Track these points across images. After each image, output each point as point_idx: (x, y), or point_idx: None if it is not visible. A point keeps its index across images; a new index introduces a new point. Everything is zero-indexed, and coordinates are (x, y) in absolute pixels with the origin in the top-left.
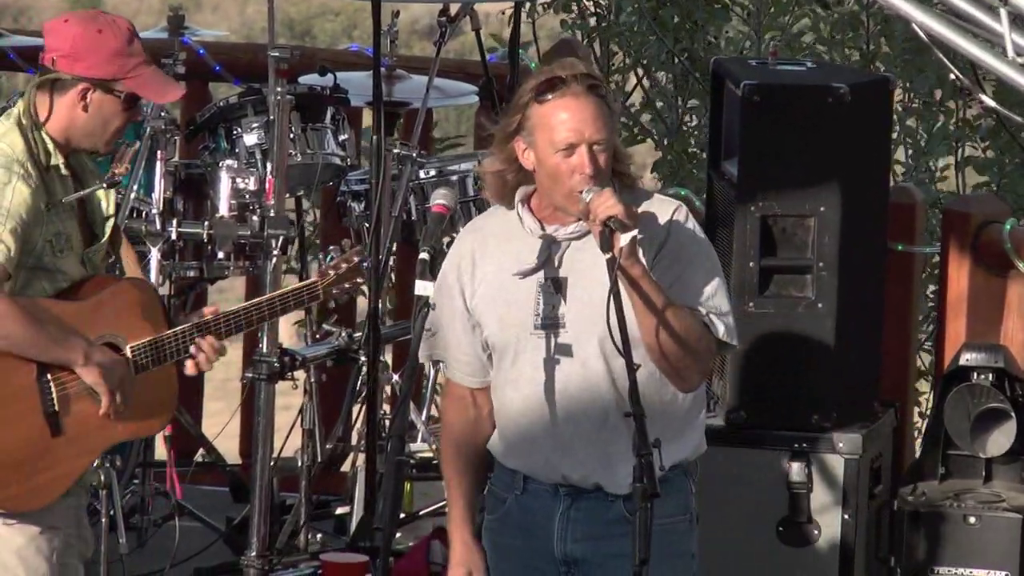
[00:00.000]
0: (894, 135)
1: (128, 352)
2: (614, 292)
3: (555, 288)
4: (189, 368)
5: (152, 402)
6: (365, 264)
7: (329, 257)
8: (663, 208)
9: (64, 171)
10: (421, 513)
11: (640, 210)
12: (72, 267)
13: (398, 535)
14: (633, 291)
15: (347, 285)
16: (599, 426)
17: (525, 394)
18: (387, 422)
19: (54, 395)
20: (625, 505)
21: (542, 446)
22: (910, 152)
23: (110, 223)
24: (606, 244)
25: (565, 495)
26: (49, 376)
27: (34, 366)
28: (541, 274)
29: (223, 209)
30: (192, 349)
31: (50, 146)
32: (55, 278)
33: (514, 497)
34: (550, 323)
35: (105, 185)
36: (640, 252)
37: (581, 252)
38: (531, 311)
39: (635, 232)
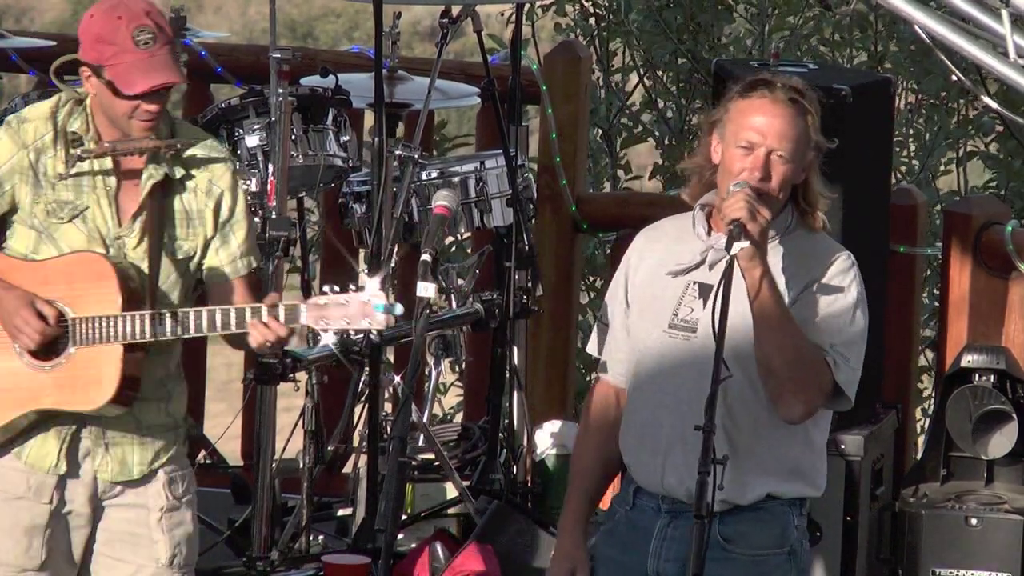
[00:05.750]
0: (899, 136)
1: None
2: (724, 294)
3: (700, 293)
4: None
5: (91, 378)
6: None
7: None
8: (830, 250)
9: (91, 144)
10: (423, 514)
11: (805, 241)
12: (76, 241)
13: (400, 536)
14: (752, 295)
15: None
16: (700, 435)
17: (645, 390)
18: (389, 423)
19: None
20: (719, 529)
21: (648, 445)
22: (915, 152)
23: (139, 220)
24: (728, 244)
25: (666, 512)
26: None
27: None
28: (692, 276)
29: None
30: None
31: (82, 120)
32: (60, 247)
33: (624, 512)
34: (684, 326)
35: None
36: (783, 277)
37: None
38: (670, 309)
39: (744, 244)
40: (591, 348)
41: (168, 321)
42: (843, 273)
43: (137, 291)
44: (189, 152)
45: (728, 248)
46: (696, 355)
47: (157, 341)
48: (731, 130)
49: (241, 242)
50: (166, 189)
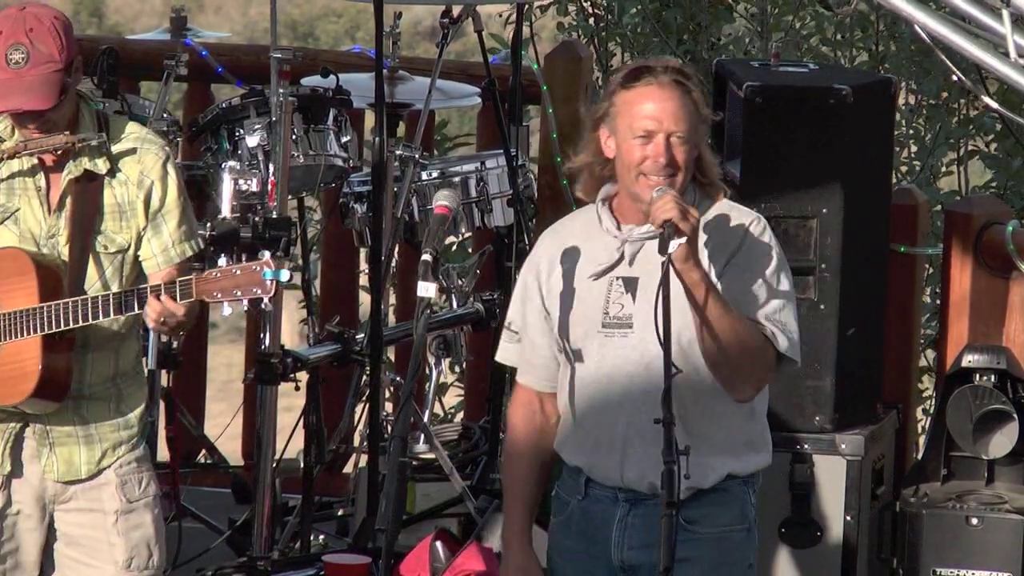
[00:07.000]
0: (900, 135)
1: None
2: (664, 295)
3: (626, 288)
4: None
5: (16, 372)
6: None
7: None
8: (740, 218)
9: (11, 146)
10: (423, 514)
11: (715, 216)
12: (9, 243)
13: (399, 536)
14: (691, 295)
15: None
16: (657, 428)
17: (590, 393)
18: (389, 423)
19: None
20: (683, 513)
21: (603, 445)
22: (915, 152)
23: (62, 215)
24: (662, 246)
25: (624, 500)
26: None
27: None
28: (614, 273)
29: (225, 210)
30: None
31: (6, 123)
32: None
33: (576, 501)
34: (617, 322)
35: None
36: (704, 259)
37: (655, 253)
38: (600, 309)
39: (682, 240)
40: (502, 357)
41: (71, 308)
42: (755, 239)
43: (56, 284)
44: (119, 146)
45: (663, 250)
46: (637, 348)
47: (95, 336)
48: (624, 122)
49: (173, 230)
50: (97, 184)
